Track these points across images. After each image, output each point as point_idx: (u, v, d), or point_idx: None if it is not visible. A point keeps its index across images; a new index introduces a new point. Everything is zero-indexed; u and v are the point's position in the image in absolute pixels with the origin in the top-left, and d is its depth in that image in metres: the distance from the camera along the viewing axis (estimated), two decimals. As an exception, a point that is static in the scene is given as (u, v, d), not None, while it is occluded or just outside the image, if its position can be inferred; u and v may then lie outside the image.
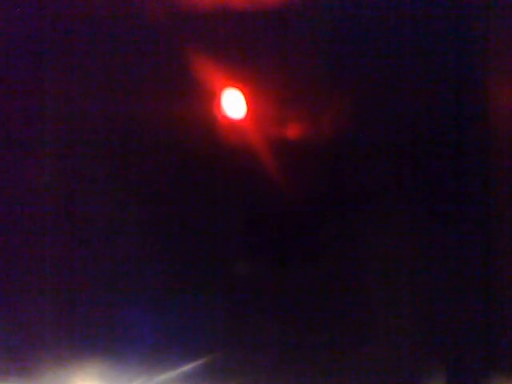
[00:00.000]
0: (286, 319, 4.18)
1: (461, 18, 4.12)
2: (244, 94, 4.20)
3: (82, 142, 4.24)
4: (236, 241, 4.24)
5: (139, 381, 4.07)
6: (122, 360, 4.07)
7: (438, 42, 4.13)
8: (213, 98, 4.20)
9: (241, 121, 4.22)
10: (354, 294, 4.19)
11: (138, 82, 4.22)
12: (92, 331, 4.14)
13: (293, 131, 4.20)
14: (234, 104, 4.21)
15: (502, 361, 4.08)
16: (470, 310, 4.13)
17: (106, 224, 4.21)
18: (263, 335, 4.15)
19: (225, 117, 4.22)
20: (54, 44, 4.25)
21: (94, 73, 4.21)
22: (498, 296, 4.11)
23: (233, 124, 4.21)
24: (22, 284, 4.20)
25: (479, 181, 4.13)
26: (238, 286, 4.21)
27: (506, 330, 4.09)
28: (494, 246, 4.12)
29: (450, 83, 4.14)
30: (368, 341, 4.17)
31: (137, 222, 4.22)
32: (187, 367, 4.08)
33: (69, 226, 4.21)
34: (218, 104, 4.21)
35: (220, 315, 4.18)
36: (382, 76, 4.17)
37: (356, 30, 4.17)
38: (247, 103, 4.21)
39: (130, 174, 4.24)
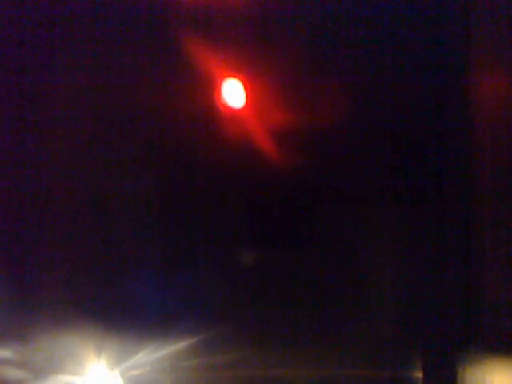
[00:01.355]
0: (279, 300, 4.33)
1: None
2: (243, 83, 4.30)
3: (85, 129, 4.34)
4: (237, 226, 4.36)
5: (142, 353, 4.20)
6: (123, 329, 4.18)
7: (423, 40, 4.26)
8: (212, 87, 4.30)
9: (240, 110, 4.32)
10: (340, 277, 4.33)
11: (137, 72, 4.30)
12: (94, 300, 4.24)
13: (292, 120, 4.31)
14: (233, 93, 4.31)
15: (479, 338, 4.22)
16: (449, 287, 4.27)
17: (113, 198, 4.32)
18: (259, 313, 4.29)
19: (224, 106, 4.32)
20: (53, 32, 4.33)
21: (92, 60, 4.28)
22: (476, 274, 4.25)
23: (232, 113, 4.32)
24: (23, 249, 4.28)
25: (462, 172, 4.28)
26: (237, 266, 4.34)
27: (484, 308, 4.22)
28: (473, 225, 4.25)
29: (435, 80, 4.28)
30: (351, 320, 4.33)
31: (143, 201, 4.34)
32: (187, 341, 4.20)
33: (73, 197, 4.30)
34: (218, 93, 4.31)
35: (219, 293, 4.30)
36: (379, 67, 4.28)
37: (356, 20, 4.26)
38: (247, 92, 4.31)
39: (132, 160, 4.35)
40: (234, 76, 4.30)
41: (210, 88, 4.30)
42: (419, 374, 4.29)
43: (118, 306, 4.25)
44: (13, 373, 4.15)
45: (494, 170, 4.21)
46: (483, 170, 4.22)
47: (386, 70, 4.28)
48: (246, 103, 4.31)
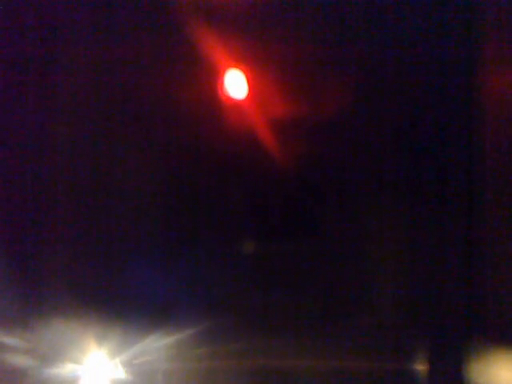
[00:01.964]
0: (283, 291, 4.32)
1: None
2: (246, 74, 4.31)
3: (86, 119, 4.37)
4: (240, 215, 4.37)
5: (145, 342, 4.21)
6: (127, 318, 4.20)
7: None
8: (215, 77, 4.32)
9: (243, 101, 4.33)
10: (345, 265, 4.31)
11: (139, 63, 4.32)
12: (97, 287, 4.27)
13: (295, 111, 4.31)
14: (235, 84, 4.31)
15: (484, 330, 4.16)
16: (454, 278, 4.23)
17: (115, 186, 4.35)
18: (263, 303, 4.29)
19: (227, 97, 4.33)
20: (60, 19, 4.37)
21: (96, 48, 4.32)
22: (481, 264, 4.20)
23: (235, 104, 4.33)
24: (26, 237, 4.31)
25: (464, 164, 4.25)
26: (240, 255, 4.35)
27: (489, 299, 4.17)
28: (478, 216, 4.22)
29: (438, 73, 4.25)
30: (355, 310, 4.31)
31: (145, 190, 4.36)
32: (189, 331, 4.21)
33: (76, 185, 4.34)
34: (221, 84, 4.32)
35: (223, 282, 4.31)
36: (383, 59, 4.26)
37: (360, 14, 4.25)
38: (249, 83, 4.32)
39: (134, 150, 4.38)
40: (237, 67, 4.30)
41: (212, 79, 4.31)
42: (424, 367, 4.25)
43: (121, 294, 4.27)
44: (17, 360, 4.20)
45: (498, 164, 4.17)
46: (487, 164, 4.19)
47: (391, 63, 4.26)
48: (249, 94, 4.32)
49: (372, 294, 4.32)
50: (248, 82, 4.31)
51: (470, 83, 4.19)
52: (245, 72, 4.30)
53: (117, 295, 4.26)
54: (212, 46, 4.25)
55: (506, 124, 4.12)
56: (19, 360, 4.20)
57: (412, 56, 4.23)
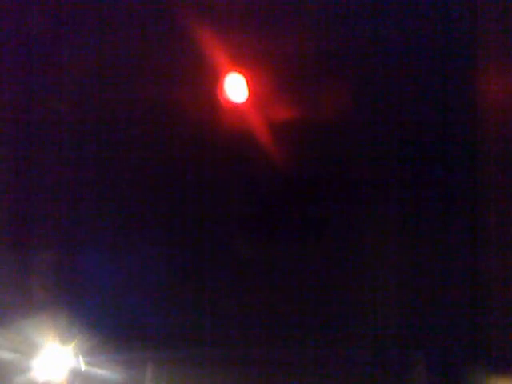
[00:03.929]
0: (281, 299, 4.14)
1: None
2: (245, 77, 4.29)
3: (87, 128, 4.38)
4: (237, 218, 4.25)
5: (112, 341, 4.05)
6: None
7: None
8: (215, 81, 4.31)
9: (242, 104, 4.30)
10: (342, 280, 4.12)
11: (140, 70, 4.35)
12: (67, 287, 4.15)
13: (292, 114, 4.25)
14: (235, 87, 4.30)
15: (484, 353, 3.93)
16: (456, 303, 3.99)
17: (100, 193, 4.30)
18: (251, 312, 4.11)
19: (226, 100, 4.30)
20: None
21: (95, 49, 4.36)
22: (483, 289, 4.02)
23: (234, 107, 4.30)
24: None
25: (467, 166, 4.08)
26: (231, 261, 4.21)
27: (490, 323, 3.98)
28: (481, 238, 4.09)
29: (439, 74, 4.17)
30: (356, 329, 4.08)
31: (134, 190, 4.30)
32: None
33: (60, 187, 4.30)
34: (221, 87, 4.31)
35: (206, 289, 4.16)
36: (384, 63, 4.22)
37: (360, 17, 4.25)
38: (249, 87, 4.30)
39: (134, 152, 4.35)
40: (237, 71, 4.30)
41: (212, 82, 4.31)
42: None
43: (93, 296, 4.15)
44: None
45: (501, 169, 4.02)
46: (489, 168, 4.04)
47: (392, 65, 4.21)
48: (249, 97, 4.29)
49: (374, 319, 4.10)
50: (248, 85, 4.29)
51: (473, 84, 4.10)
52: (245, 75, 4.29)
53: (87, 296, 4.14)
54: (213, 49, 4.26)
55: (506, 123, 4.00)
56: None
57: (415, 58, 4.17)
